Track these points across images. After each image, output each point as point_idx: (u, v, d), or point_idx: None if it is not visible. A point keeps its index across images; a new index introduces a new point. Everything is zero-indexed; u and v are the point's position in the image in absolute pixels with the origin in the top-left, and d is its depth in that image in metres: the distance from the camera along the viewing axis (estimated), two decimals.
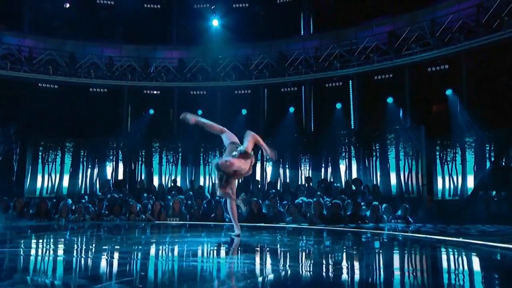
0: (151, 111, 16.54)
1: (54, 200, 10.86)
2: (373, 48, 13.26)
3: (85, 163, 15.82)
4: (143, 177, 15.78)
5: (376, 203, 9.67)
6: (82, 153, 15.86)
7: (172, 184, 15.03)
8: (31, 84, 15.23)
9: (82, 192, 15.28)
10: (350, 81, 14.31)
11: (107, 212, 9.64)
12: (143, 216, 9.35)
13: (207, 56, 15.93)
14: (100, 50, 16.20)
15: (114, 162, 15.86)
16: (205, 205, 10.51)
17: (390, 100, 13.45)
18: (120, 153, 15.94)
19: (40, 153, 15.48)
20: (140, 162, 16.05)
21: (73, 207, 9.58)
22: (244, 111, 16.23)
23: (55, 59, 14.88)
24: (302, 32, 15.80)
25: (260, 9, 16.69)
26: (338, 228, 7.80)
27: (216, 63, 15.54)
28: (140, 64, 15.81)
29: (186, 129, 16.03)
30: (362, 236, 6.73)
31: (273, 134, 15.50)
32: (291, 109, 15.61)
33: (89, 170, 15.73)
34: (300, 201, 10.10)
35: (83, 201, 10.46)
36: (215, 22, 16.82)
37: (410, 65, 12.82)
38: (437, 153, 12.49)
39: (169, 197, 11.32)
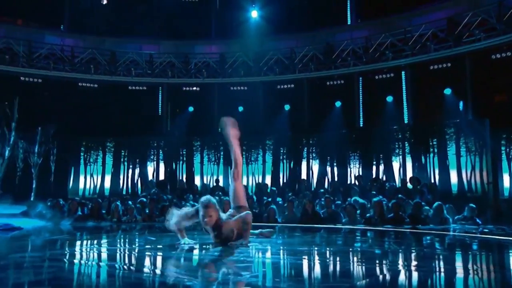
0: (191, 109, 16.70)
1: (99, 200, 11.09)
2: (429, 36, 12.78)
3: (126, 163, 16.15)
4: (184, 177, 15.98)
5: (440, 203, 9.30)
6: (122, 153, 16.20)
7: (215, 184, 15.10)
8: (72, 84, 15.65)
9: (124, 192, 15.66)
10: (403, 72, 13.87)
11: (157, 213, 9.75)
12: None
13: (248, 50, 15.90)
14: (139, 47, 16.48)
15: (155, 162, 16.11)
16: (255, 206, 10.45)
17: (448, 91, 12.93)
18: (161, 152, 16.18)
19: (82, 154, 15.93)
20: (181, 162, 16.23)
21: (123, 208, 9.74)
22: (287, 107, 16.14)
23: (95, 58, 15.25)
24: (349, 21, 15.48)
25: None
26: (406, 230, 7.55)
27: (258, 56, 15.46)
28: (180, 60, 15.95)
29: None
30: (446, 239, 6.48)
31: (318, 130, 15.30)
32: (338, 103, 15.36)
33: (130, 170, 16.06)
34: (353, 201, 9.88)
35: (130, 202, 10.63)
36: (254, 14, 16.78)
37: (472, 53, 12.26)
38: (503, 148, 11.92)
39: (217, 198, 11.33)
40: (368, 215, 8.70)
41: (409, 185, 12.10)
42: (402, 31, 13.50)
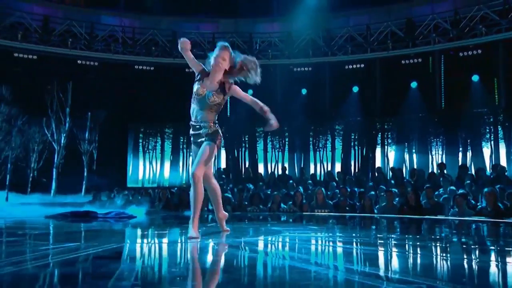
0: (250, 91, 16.96)
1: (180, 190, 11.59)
2: None
3: (185, 150, 16.66)
4: (247, 164, 16.36)
5: None
6: (181, 140, 16.71)
7: (281, 172, 15.39)
8: (128, 66, 16.10)
9: (184, 181, 16.19)
10: (496, 48, 13.59)
11: (246, 202, 10.17)
12: (285, 207, 9.74)
13: (314, 27, 15.94)
14: (197, 26, 16.78)
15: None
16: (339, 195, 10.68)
17: None
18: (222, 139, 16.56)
19: (140, 141, 16.52)
20: (243, 149, 16.61)
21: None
22: (355, 89, 16.18)
23: (154, 39, 15.68)
24: None
25: None
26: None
27: (326, 34, 15.51)
28: (242, 39, 16.18)
29: (292, 111, 16.39)
30: None
31: (392, 113, 15.33)
32: (414, 84, 15.31)
33: (190, 158, 16.53)
34: (449, 191, 9.99)
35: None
36: None
37: None
38: None
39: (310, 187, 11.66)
40: (479, 206, 8.82)
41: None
42: (501, 1, 13.11)
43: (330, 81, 16.40)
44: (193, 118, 4.58)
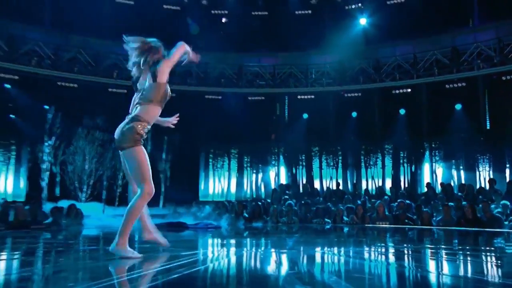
0: (305, 116, 17.26)
1: (253, 203, 11.96)
2: None
3: (249, 169, 17.11)
4: (304, 180, 16.58)
5: None
6: (245, 159, 17.19)
7: (335, 187, 15.49)
8: (200, 96, 16.86)
9: (248, 196, 16.58)
10: None
11: (308, 215, 10.39)
12: (348, 220, 9.89)
13: (363, 57, 16.16)
14: (259, 59, 17.35)
15: (276, 167, 16.90)
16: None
17: None
18: (281, 157, 16.94)
19: (210, 160, 17.13)
20: (300, 166, 16.86)
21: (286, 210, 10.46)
22: (402, 111, 16.14)
23: (224, 72, 16.38)
24: (471, 23, 15.16)
25: (417, 3, 16.37)
26: None
27: (377, 63, 15.66)
28: (298, 70, 16.59)
29: (344, 132, 16.56)
30: None
31: (438, 132, 15.19)
32: (458, 106, 15.12)
33: (253, 175, 16.98)
34: (502, 205, 9.79)
35: (292, 202, 11.31)
36: (363, 21, 17.00)
37: None
38: None
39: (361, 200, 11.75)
40: None
41: None
42: None
43: (379, 104, 16.46)
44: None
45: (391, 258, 4.23)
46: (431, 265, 3.71)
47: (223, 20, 17.92)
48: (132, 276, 2.84)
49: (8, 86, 14.70)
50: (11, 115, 14.85)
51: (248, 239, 6.53)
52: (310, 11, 17.50)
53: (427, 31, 15.26)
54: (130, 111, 4.02)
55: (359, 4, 17.02)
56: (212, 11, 17.36)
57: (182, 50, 3.94)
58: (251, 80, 16.57)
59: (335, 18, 17.18)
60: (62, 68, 15.27)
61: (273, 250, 4.88)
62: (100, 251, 4.81)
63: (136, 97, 4.05)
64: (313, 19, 17.34)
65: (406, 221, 9.51)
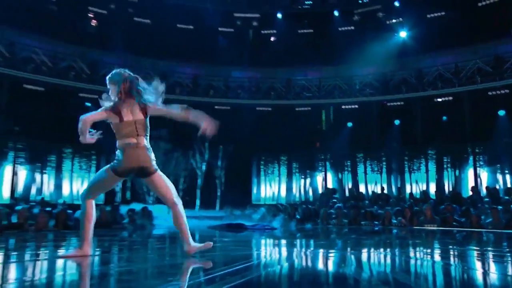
0: (350, 124, 17.04)
1: (304, 206, 11.96)
2: None
3: (297, 174, 17.10)
4: (350, 185, 16.34)
5: None
6: (294, 165, 17.19)
7: (380, 191, 15.14)
8: (252, 108, 17.10)
9: (297, 199, 16.54)
10: None
11: (356, 218, 10.25)
12: (396, 222, 9.65)
13: (405, 68, 15.79)
14: (305, 73, 17.40)
15: (323, 173, 16.78)
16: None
17: None
18: (327, 163, 16.80)
19: (262, 166, 17.30)
20: (346, 172, 16.64)
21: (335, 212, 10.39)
22: (444, 118, 15.58)
23: (272, 86, 16.56)
24: None
25: (457, 15, 15.79)
26: None
27: (419, 73, 15.25)
28: (342, 82, 16.47)
29: (387, 139, 16.18)
30: None
31: (482, 138, 14.49)
32: (501, 112, 14.40)
33: (302, 180, 16.96)
34: None
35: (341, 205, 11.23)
36: (403, 34, 16.64)
37: None
38: None
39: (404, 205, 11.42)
40: None
41: None
42: None
43: (421, 112, 15.99)
44: None
45: (466, 260, 4.07)
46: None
47: (272, 38, 18.14)
48: (221, 272, 2.93)
49: (88, 104, 15.63)
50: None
51: (312, 240, 6.52)
52: (353, 27, 17.33)
53: (468, 41, 14.68)
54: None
55: (400, 19, 16.68)
56: (262, 31, 17.61)
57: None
58: (299, 92, 16.64)
59: (377, 32, 16.91)
60: None
61: (349, 250, 4.76)
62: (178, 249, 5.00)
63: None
64: (356, 34, 17.15)
65: (454, 223, 9.15)
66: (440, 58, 15.42)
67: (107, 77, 3.64)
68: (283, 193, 16.93)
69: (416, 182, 15.38)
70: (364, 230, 8.75)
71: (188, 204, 16.57)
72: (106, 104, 3.60)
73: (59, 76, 13.48)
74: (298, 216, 10.59)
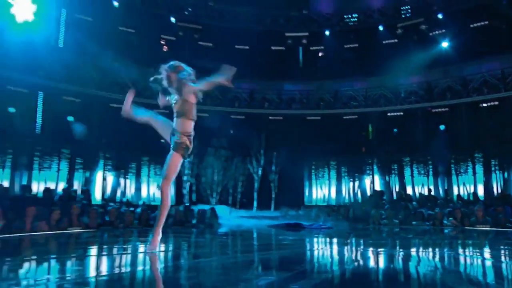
0: (395, 130, 16.71)
1: (354, 207, 11.96)
2: None
3: (346, 177, 17.01)
4: (397, 187, 16.00)
5: None
6: (343, 169, 17.13)
7: (427, 193, 14.66)
8: (302, 118, 17.28)
9: (347, 201, 16.42)
10: None
11: (400, 217, 10.11)
12: (447, 223, 9.42)
13: (450, 76, 15.25)
14: (351, 84, 17.33)
15: (371, 176, 16.57)
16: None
17: None
18: (375, 167, 16.57)
19: (313, 171, 17.40)
20: (393, 175, 16.32)
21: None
22: (490, 123, 14.83)
23: (321, 97, 16.68)
24: None
25: (500, 23, 15.04)
26: None
27: (463, 80, 14.69)
28: (387, 91, 16.23)
29: (432, 143, 15.65)
30: None
31: None
32: None
33: (350, 183, 16.85)
34: None
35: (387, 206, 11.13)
36: (445, 44, 16.10)
37: None
38: None
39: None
40: None
41: None
42: None
43: (466, 117, 15.33)
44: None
45: None
46: None
47: (320, 54, 18.26)
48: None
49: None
50: (161, 140, 16.66)
51: (378, 239, 6.45)
52: (396, 40, 17.04)
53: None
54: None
55: (443, 30, 16.18)
56: (311, 48, 17.81)
57: (211, 85, 3.85)
58: (346, 102, 16.60)
59: (420, 43, 16.50)
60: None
61: (423, 251, 4.61)
62: (254, 246, 5.27)
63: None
64: (400, 46, 16.84)
65: (508, 224, 8.76)
66: (485, 65, 14.75)
67: (176, 64, 3.88)
68: (333, 195, 16.90)
69: (464, 184, 14.78)
70: (418, 230, 8.63)
71: (246, 205, 17.07)
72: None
73: (138, 95, 14.47)
74: (350, 216, 10.60)
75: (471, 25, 15.50)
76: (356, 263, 3.41)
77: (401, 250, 4.64)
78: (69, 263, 3.36)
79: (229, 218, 14.11)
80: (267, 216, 13.94)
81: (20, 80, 11.73)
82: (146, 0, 15.13)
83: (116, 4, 14.36)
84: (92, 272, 2.90)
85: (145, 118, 4.08)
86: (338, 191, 16.80)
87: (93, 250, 4.58)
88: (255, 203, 16.96)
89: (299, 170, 17.54)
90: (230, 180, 16.68)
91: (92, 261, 3.66)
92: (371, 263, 3.48)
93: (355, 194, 16.54)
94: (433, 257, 3.93)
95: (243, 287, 2.31)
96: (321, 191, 17.07)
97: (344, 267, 3.14)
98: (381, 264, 3.42)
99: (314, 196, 17.13)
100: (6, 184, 11.18)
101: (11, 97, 11.80)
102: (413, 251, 4.45)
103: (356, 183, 16.58)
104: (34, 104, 12.34)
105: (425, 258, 3.87)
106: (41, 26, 11.55)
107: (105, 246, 5.01)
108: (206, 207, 13.10)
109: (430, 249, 4.62)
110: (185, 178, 15.99)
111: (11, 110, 11.98)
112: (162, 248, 4.05)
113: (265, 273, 2.81)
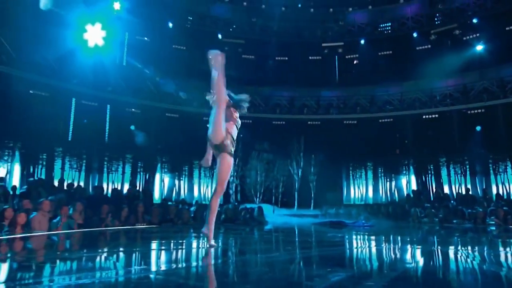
0: (430, 132, 15.99)
1: (392, 206, 11.58)
2: None
3: (383, 177, 16.50)
4: (434, 187, 15.29)
5: None
6: (379, 170, 16.63)
7: (465, 192, 13.88)
8: (339, 122, 16.97)
9: (384, 200, 15.91)
10: None
11: (440, 216, 9.63)
12: (489, 221, 8.87)
13: (486, 78, 14.40)
14: (386, 89, 16.82)
15: (406, 176, 15.97)
16: None
17: None
18: (411, 168, 15.96)
19: (350, 171, 17.06)
20: (429, 175, 15.64)
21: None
22: None
23: (357, 102, 16.33)
24: None
25: None
26: None
27: (500, 82, 13.82)
28: (422, 94, 15.60)
29: (469, 145, 14.82)
30: None
31: None
32: None
33: (387, 183, 16.33)
34: None
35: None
36: (479, 47, 15.22)
37: None
38: None
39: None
40: None
41: None
42: None
43: (503, 118, 14.39)
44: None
45: None
46: None
47: (355, 62, 17.92)
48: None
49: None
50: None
51: (427, 237, 6.18)
52: (429, 46, 16.36)
53: None
54: None
55: (477, 34, 15.32)
56: (346, 56, 17.53)
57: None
58: (381, 106, 16.13)
59: (454, 48, 15.74)
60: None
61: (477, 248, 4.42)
62: (309, 243, 5.22)
63: None
64: (433, 51, 16.15)
65: None
66: None
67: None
68: (370, 194, 16.46)
69: (502, 184, 13.85)
70: (460, 229, 8.20)
71: (288, 204, 17.01)
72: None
73: (191, 105, 14.98)
74: (390, 214, 10.27)
75: (507, 28, 14.57)
76: (419, 262, 3.31)
77: (461, 249, 4.41)
78: (167, 254, 3.48)
79: (272, 216, 14.13)
80: (307, 214, 13.84)
81: (92, 95, 12.49)
82: (196, 20, 15.59)
83: (170, 25, 14.91)
84: (193, 262, 3.02)
85: None
86: (375, 191, 16.34)
87: (183, 243, 4.72)
88: (296, 202, 16.87)
89: (337, 171, 17.25)
90: (272, 181, 16.71)
91: (186, 252, 3.82)
92: (436, 261, 3.36)
93: (392, 193, 16.01)
94: (495, 255, 3.72)
95: (319, 282, 2.32)
96: (359, 190, 16.69)
97: (406, 266, 3.06)
98: (448, 263, 3.28)
99: (352, 195, 16.77)
100: (82, 185, 11.89)
101: (85, 110, 12.58)
102: (468, 249, 4.24)
103: (393, 183, 16.04)
104: (103, 116, 13.07)
105: (487, 257, 3.67)
106: (109, 49, 12.23)
107: (184, 240, 5.14)
108: (253, 206, 13.19)
109: (485, 248, 4.38)
110: (230, 179, 16.23)
111: (85, 121, 12.78)
112: (230, 244, 4.11)
113: (333, 269, 2.80)
